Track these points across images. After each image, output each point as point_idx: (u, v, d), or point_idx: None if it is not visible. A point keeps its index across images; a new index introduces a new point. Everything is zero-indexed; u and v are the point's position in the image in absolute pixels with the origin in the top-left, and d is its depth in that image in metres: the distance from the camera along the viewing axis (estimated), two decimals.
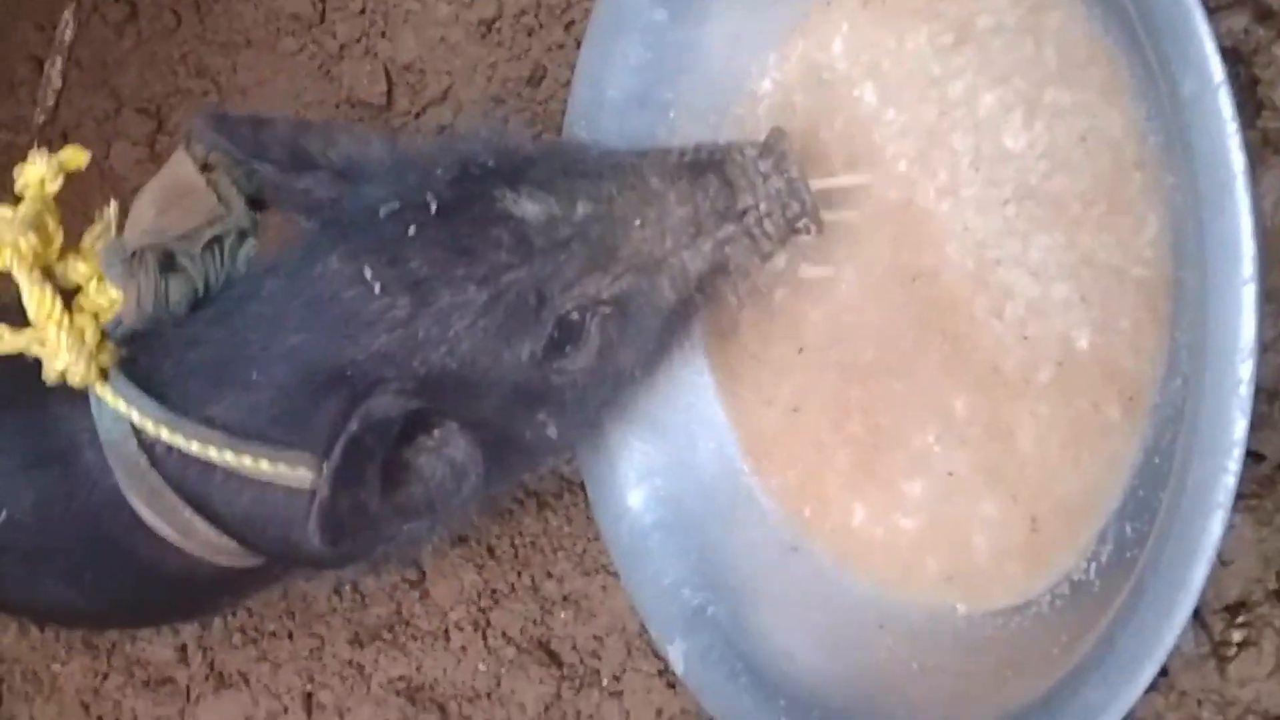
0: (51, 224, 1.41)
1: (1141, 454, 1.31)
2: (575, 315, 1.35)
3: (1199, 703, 1.36)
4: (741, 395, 1.62)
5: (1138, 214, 1.30)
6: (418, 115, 1.99)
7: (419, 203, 1.32)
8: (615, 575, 1.74)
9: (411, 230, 1.31)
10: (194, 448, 1.37)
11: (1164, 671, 1.37)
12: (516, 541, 1.86)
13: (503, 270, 1.31)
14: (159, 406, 1.38)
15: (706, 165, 1.37)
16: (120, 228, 1.44)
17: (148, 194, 1.42)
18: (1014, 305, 1.38)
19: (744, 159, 1.36)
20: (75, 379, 1.39)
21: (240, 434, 1.37)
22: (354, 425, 1.27)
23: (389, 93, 2.01)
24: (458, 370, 1.32)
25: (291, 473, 1.35)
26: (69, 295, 1.42)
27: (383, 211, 1.33)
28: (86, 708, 2.21)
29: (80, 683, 2.21)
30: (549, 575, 1.83)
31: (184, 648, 2.11)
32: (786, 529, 1.58)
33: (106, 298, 1.43)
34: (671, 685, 1.71)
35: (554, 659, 1.81)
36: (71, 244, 1.46)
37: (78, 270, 1.44)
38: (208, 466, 1.38)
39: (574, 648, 1.81)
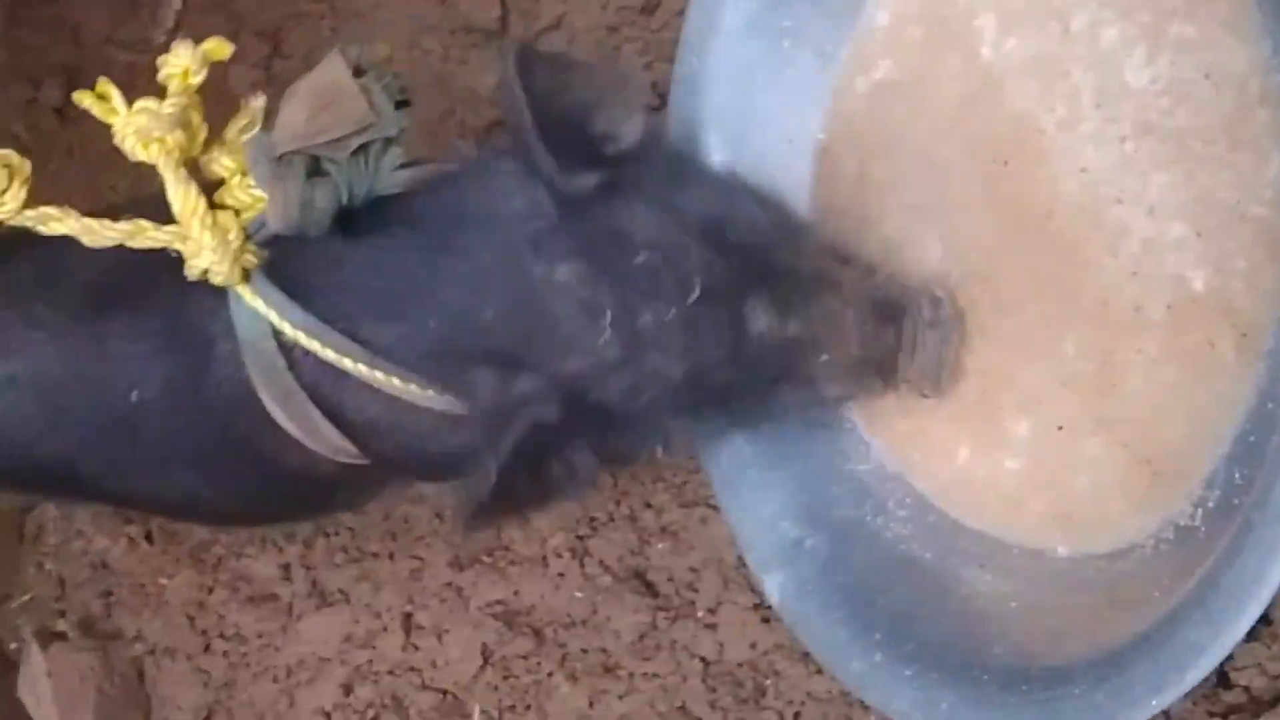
0: (196, 118, 1.40)
1: (1254, 397, 1.29)
2: (739, 407, 1.45)
3: None
4: None
5: (1260, 152, 1.28)
6: (532, 41, 1.99)
7: (680, 270, 1.32)
8: (713, 508, 1.75)
9: (661, 295, 1.31)
10: (331, 356, 1.39)
11: (1267, 620, 1.35)
12: (616, 472, 1.87)
13: (712, 368, 1.34)
14: (301, 312, 1.40)
15: (893, 312, 1.42)
16: (267, 123, 1.43)
17: (299, 95, 1.40)
18: (1128, 243, 1.37)
19: (921, 319, 1.43)
20: (218, 278, 1.39)
21: (383, 355, 1.39)
22: (521, 431, 1.30)
23: (503, 18, 2.01)
24: (619, 416, 1.36)
25: (424, 393, 1.39)
26: (212, 188, 1.42)
27: (641, 257, 1.32)
28: (192, 620, 2.26)
29: (186, 596, 2.27)
30: (648, 506, 1.84)
31: (287, 565, 2.15)
32: (888, 465, 1.58)
33: (250, 195, 1.41)
34: (766, 619, 1.72)
35: (650, 589, 1.83)
36: (214, 135, 1.45)
37: (222, 164, 1.43)
38: (343, 375, 1.41)
39: (670, 579, 1.82)
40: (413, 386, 1.39)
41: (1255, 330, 1.29)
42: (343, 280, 1.43)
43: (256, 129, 1.43)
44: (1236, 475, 1.28)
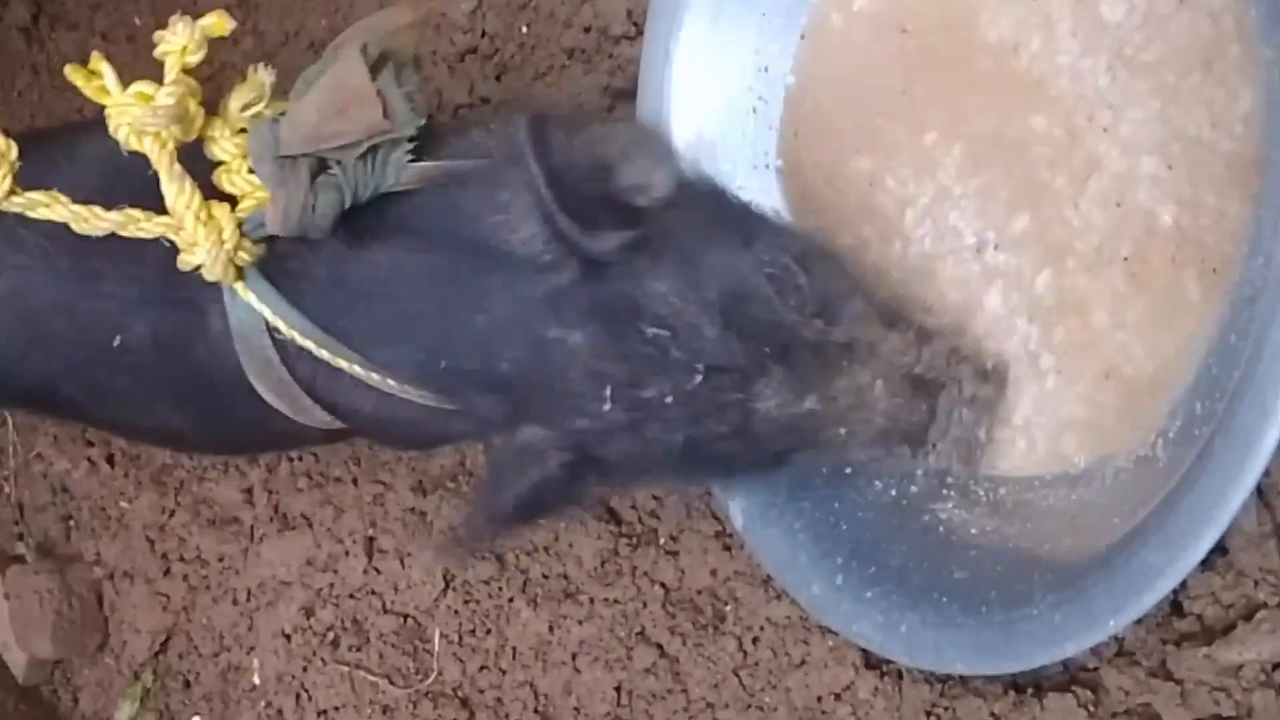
0: (193, 105, 1.34)
1: (1217, 331, 1.30)
2: (745, 467, 1.46)
3: (1255, 583, 1.36)
4: None
5: (1232, 87, 1.29)
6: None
7: (686, 351, 1.31)
8: None
9: (665, 373, 1.31)
10: (324, 355, 1.39)
11: (1223, 550, 1.38)
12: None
13: (717, 440, 1.34)
14: (296, 313, 1.39)
15: (929, 388, 1.38)
16: (273, 104, 1.39)
17: (313, 96, 1.35)
18: (1100, 177, 1.38)
19: (958, 398, 1.39)
20: (210, 275, 1.36)
21: (376, 361, 1.41)
22: (523, 491, 1.35)
23: None
24: (623, 465, 1.38)
25: (419, 392, 1.42)
26: (208, 169, 1.38)
27: (650, 331, 1.31)
28: (152, 544, 2.27)
29: (147, 519, 2.27)
30: None
31: (250, 489, 2.15)
32: None
33: (249, 181, 1.37)
34: (727, 547, 1.74)
35: (613, 516, 1.84)
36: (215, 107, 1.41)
37: (223, 148, 1.38)
38: (338, 371, 1.41)
39: (633, 506, 1.83)
40: (408, 388, 1.41)
41: (1222, 265, 1.31)
42: (343, 289, 1.41)
43: (262, 105, 1.38)
44: (1198, 407, 1.30)
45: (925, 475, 1.50)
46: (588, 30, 1.88)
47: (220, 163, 1.38)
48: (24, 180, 1.35)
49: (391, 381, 1.41)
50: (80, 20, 2.46)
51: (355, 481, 2.05)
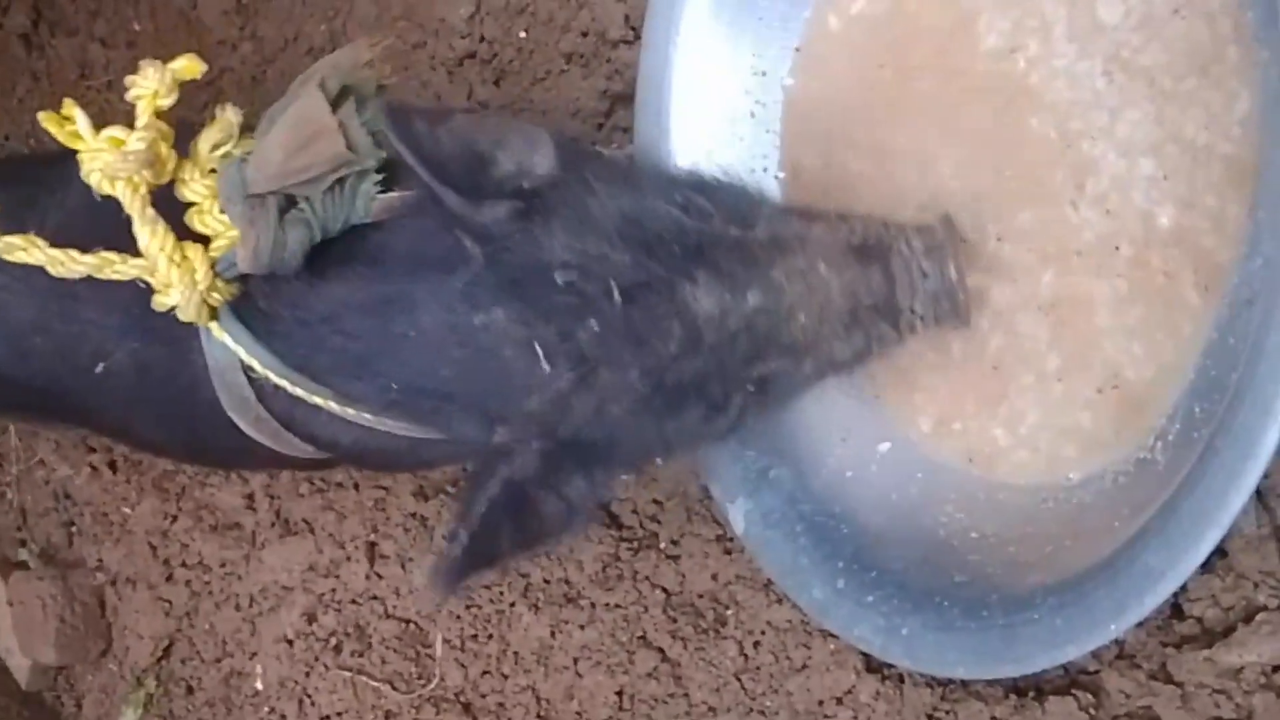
0: (164, 149, 1.35)
1: (1216, 333, 1.30)
2: (723, 396, 1.35)
3: (1255, 585, 1.36)
4: None
5: (1230, 90, 1.29)
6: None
7: (598, 279, 1.28)
8: None
9: (587, 309, 1.28)
10: (299, 393, 1.39)
11: (1223, 553, 1.38)
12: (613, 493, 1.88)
13: (670, 362, 1.29)
14: (268, 353, 1.39)
15: (873, 253, 1.33)
16: (241, 142, 1.40)
17: (277, 133, 1.35)
18: (1097, 180, 1.38)
19: (910, 253, 1.33)
20: (185, 317, 1.37)
21: (350, 399, 1.40)
22: (495, 490, 1.30)
23: None
24: (599, 439, 1.33)
25: (395, 424, 1.42)
26: (181, 209, 1.38)
27: (560, 278, 1.29)
28: (154, 549, 2.27)
29: (149, 525, 2.27)
30: None
31: (252, 495, 2.16)
32: (855, 397, 1.59)
33: (221, 222, 1.37)
34: (728, 551, 1.74)
35: (614, 520, 1.84)
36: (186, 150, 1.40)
37: (193, 190, 1.38)
38: (315, 407, 1.42)
39: (634, 511, 1.83)
40: (386, 421, 1.41)
41: (1220, 267, 1.31)
42: (307, 326, 1.41)
43: (231, 145, 1.39)
44: (1197, 409, 1.30)
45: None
46: (585, 35, 1.88)
47: (192, 204, 1.38)
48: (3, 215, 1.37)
49: (366, 415, 1.41)
50: (80, 26, 2.46)
51: (357, 487, 2.05)
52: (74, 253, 1.34)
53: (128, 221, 1.35)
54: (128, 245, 1.36)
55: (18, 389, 1.58)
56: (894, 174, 1.54)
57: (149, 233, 1.33)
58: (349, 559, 2.04)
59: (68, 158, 1.36)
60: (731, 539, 1.72)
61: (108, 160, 1.32)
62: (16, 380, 1.56)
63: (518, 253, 1.31)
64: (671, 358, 1.29)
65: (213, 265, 1.36)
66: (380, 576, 2.01)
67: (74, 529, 2.42)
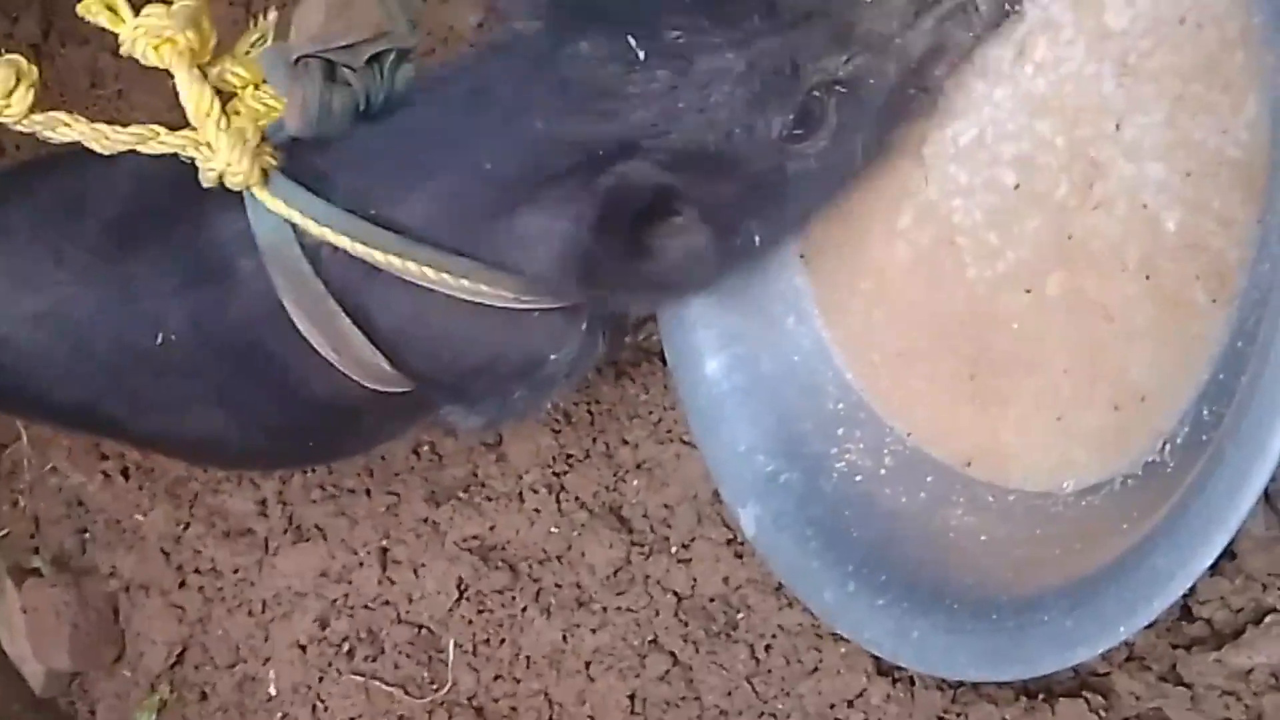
0: (205, 23, 1.38)
1: (1225, 337, 1.30)
2: (818, 93, 1.33)
3: (1264, 587, 1.37)
4: (825, 267, 1.63)
5: (1237, 94, 1.29)
6: None
7: None
8: (689, 444, 1.77)
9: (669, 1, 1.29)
10: (360, 249, 1.37)
11: (1232, 555, 1.38)
12: (593, 408, 1.89)
13: (757, 37, 1.29)
14: (325, 205, 1.38)
15: None
16: (280, 36, 1.43)
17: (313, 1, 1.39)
18: (1105, 184, 1.38)
19: None
20: (235, 180, 1.38)
21: (413, 236, 1.38)
22: (611, 181, 1.28)
23: None
24: (712, 143, 1.32)
25: (456, 282, 1.38)
26: (224, 100, 1.40)
27: None
28: (167, 556, 2.28)
29: (162, 531, 2.28)
30: (624, 442, 1.86)
31: (264, 501, 2.16)
32: (863, 402, 1.60)
33: (264, 104, 1.41)
34: (738, 554, 1.75)
35: (625, 524, 1.85)
36: (225, 49, 1.44)
37: (235, 74, 1.42)
38: (371, 273, 1.40)
39: (645, 514, 1.84)
40: (445, 275, 1.37)
41: (1229, 271, 1.31)
42: (364, 163, 1.41)
43: (269, 43, 1.42)
44: (1205, 412, 1.30)
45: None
46: None
47: (232, 95, 1.42)
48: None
49: (429, 270, 1.38)
50: (90, 35, 2.47)
51: (369, 493, 2.06)
52: (116, 127, 1.38)
53: (175, 206, 1.41)
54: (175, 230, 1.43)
55: (72, 394, 1.60)
56: (901, 172, 1.54)
57: (196, 95, 1.36)
58: (361, 564, 2.05)
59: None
60: (742, 542, 1.73)
61: (153, 23, 1.34)
62: (73, 383, 1.59)
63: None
64: (758, 32, 1.29)
65: (260, 131, 1.39)
66: (393, 582, 2.02)
67: (87, 536, 2.43)
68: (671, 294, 1.39)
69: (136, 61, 1.86)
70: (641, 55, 1.28)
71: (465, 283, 1.37)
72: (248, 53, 1.44)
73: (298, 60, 1.37)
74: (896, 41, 1.34)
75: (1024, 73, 1.43)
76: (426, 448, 2.03)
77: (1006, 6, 1.38)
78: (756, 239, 1.41)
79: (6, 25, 2.55)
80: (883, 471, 1.56)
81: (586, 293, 1.35)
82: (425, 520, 2.00)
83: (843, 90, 1.34)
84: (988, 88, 1.45)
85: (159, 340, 1.50)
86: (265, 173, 1.39)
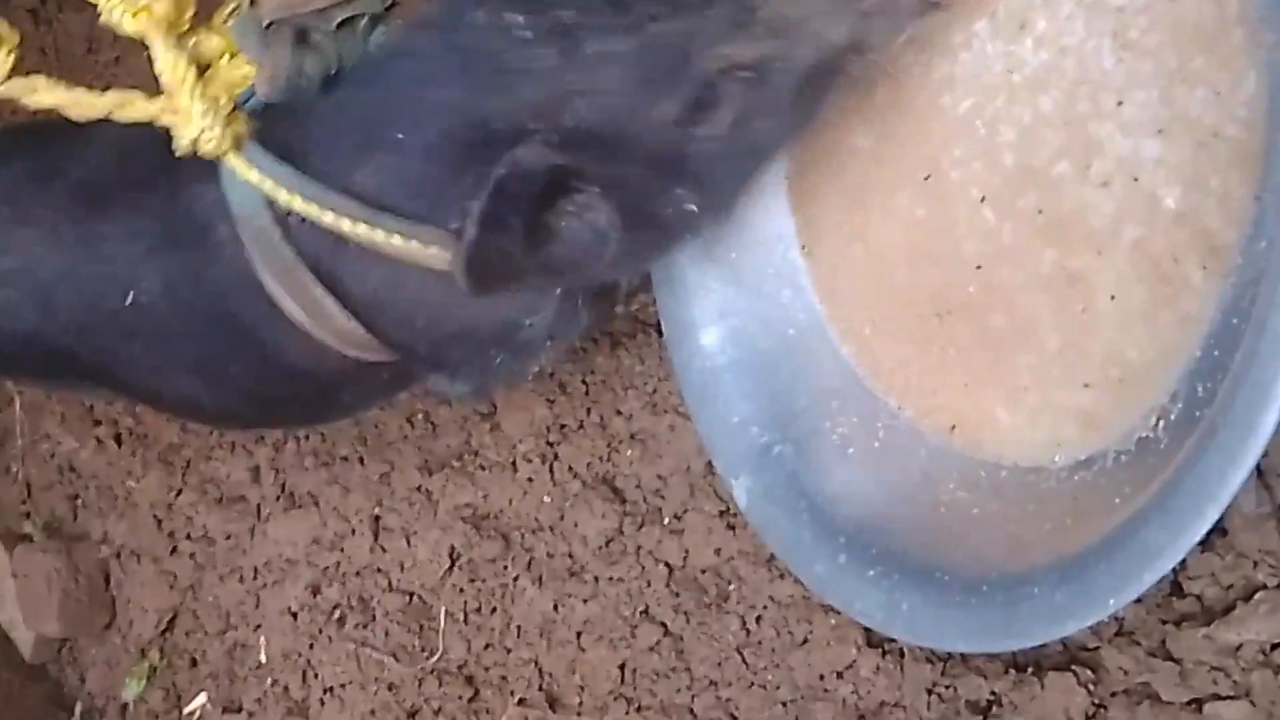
0: None
1: (1219, 314, 1.30)
2: (716, 77, 1.30)
3: (1254, 564, 1.37)
4: (820, 241, 1.63)
5: (1236, 71, 1.29)
6: None
7: None
8: (683, 415, 1.77)
9: None
10: (328, 219, 1.37)
11: (1223, 531, 1.39)
12: (588, 379, 1.89)
13: (650, 20, 1.27)
14: (294, 173, 1.38)
15: None
16: (252, 3, 1.43)
17: None
18: (1103, 161, 1.38)
19: None
20: (208, 147, 1.38)
21: (377, 205, 1.37)
22: (501, 170, 1.26)
23: None
24: (602, 125, 1.30)
25: (423, 250, 1.37)
26: (200, 70, 1.40)
27: None
28: (159, 522, 2.29)
29: (154, 498, 2.28)
30: (618, 413, 1.86)
31: (256, 468, 2.17)
32: (857, 376, 1.60)
33: (239, 73, 1.42)
34: (731, 526, 1.75)
35: (618, 495, 1.85)
36: (202, 21, 1.45)
37: (210, 45, 1.43)
38: (340, 242, 1.39)
39: (638, 485, 1.84)
40: (413, 244, 1.36)
41: (1224, 249, 1.31)
42: (329, 133, 1.42)
43: (243, 13, 1.43)
44: (1199, 389, 1.30)
45: None
46: None
47: (208, 67, 1.42)
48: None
49: (396, 239, 1.36)
50: (86, 2, 2.46)
51: (362, 460, 2.06)
52: (94, 92, 1.39)
53: (149, 174, 1.40)
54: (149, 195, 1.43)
55: (48, 349, 1.60)
56: (896, 146, 1.54)
57: (171, 63, 1.37)
58: (353, 532, 2.05)
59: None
60: (735, 514, 1.73)
61: None
62: (46, 339, 1.59)
63: None
64: (651, 16, 1.27)
65: (233, 100, 1.40)
66: (384, 550, 2.03)
67: (79, 502, 2.44)
68: (581, 276, 1.37)
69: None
70: (529, 35, 1.27)
71: (434, 250, 1.36)
72: (225, 23, 1.44)
73: (268, 26, 1.39)
74: (810, 27, 1.30)
75: (1024, 46, 1.43)
76: (420, 416, 2.03)
77: (934, 5, 1.34)
78: (674, 215, 1.39)
79: None
80: (875, 445, 1.56)
81: (482, 293, 1.33)
82: (418, 489, 2.01)
83: (746, 74, 1.31)
84: (987, 61, 1.45)
85: (129, 301, 1.50)
86: (238, 141, 1.40)
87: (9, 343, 1.60)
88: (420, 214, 1.37)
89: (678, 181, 1.37)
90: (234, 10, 1.44)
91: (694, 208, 1.39)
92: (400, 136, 1.37)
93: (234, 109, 1.40)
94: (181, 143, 1.39)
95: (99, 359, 1.60)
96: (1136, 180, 1.36)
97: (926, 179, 1.51)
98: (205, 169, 1.43)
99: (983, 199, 1.48)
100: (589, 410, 1.88)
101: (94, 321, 1.54)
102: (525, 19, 1.27)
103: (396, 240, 1.36)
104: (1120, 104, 1.36)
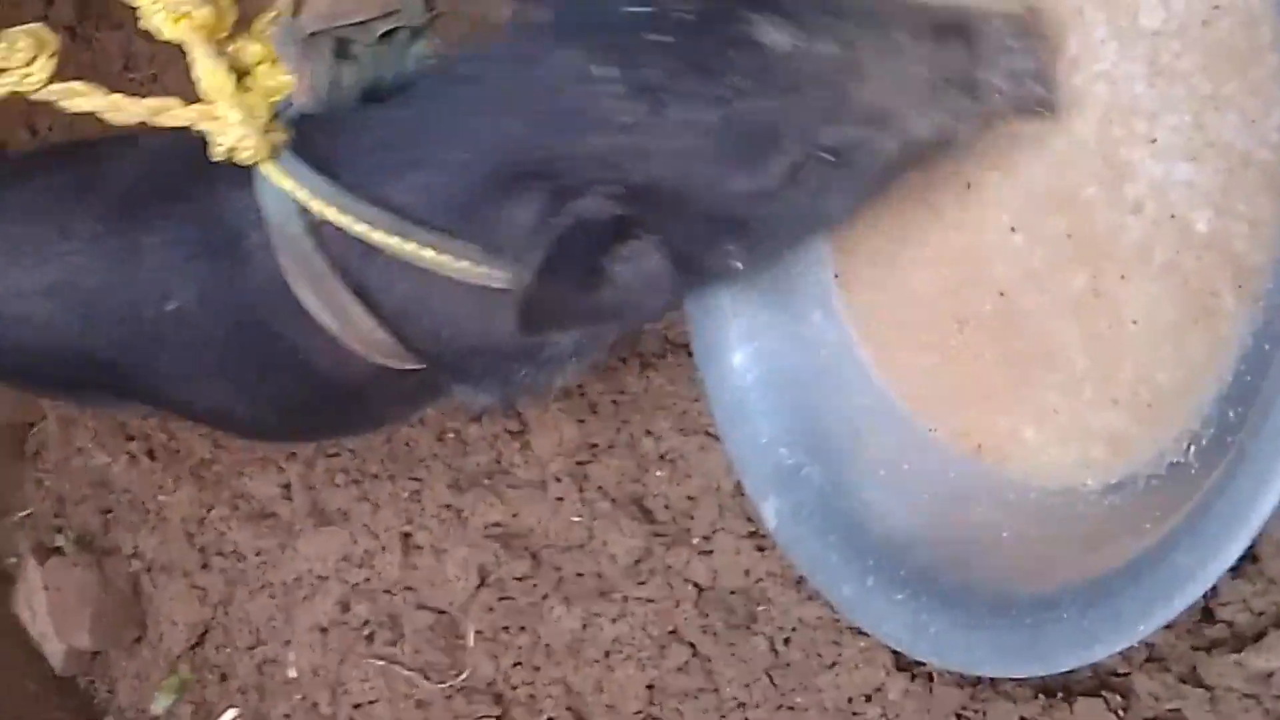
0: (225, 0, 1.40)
1: (1250, 339, 1.30)
2: (797, 158, 1.31)
3: None
4: (852, 263, 1.63)
5: (1268, 96, 1.28)
6: None
7: (671, 9, 1.29)
8: (713, 436, 1.78)
9: (656, 37, 1.28)
10: (359, 229, 1.38)
11: (1254, 558, 1.38)
12: (618, 399, 1.89)
13: (740, 96, 1.27)
14: (328, 183, 1.40)
15: (954, 30, 1.31)
16: (294, 12, 1.44)
17: None
18: (1134, 185, 1.38)
19: (992, 30, 1.32)
20: (245, 155, 1.40)
21: (411, 218, 1.38)
22: (567, 221, 1.27)
23: None
24: (671, 187, 1.31)
25: (454, 263, 1.39)
26: (239, 76, 1.42)
27: (628, 12, 1.30)
28: (190, 537, 2.30)
29: (186, 513, 2.30)
30: (648, 433, 1.86)
31: (288, 485, 2.18)
32: (886, 397, 1.60)
33: (277, 80, 1.43)
34: (760, 547, 1.75)
35: (647, 515, 1.85)
36: (242, 27, 1.47)
37: (249, 52, 1.44)
38: (371, 251, 1.41)
39: (667, 506, 1.84)
40: (444, 257, 1.38)
41: (1255, 273, 1.30)
42: (367, 145, 1.43)
43: (285, 20, 1.44)
44: (1230, 414, 1.30)
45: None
46: None
47: (247, 73, 1.44)
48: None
49: (429, 252, 1.38)
50: (124, 20, 2.49)
51: (392, 478, 2.07)
52: (133, 98, 1.41)
53: (184, 182, 1.44)
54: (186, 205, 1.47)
55: (88, 361, 1.63)
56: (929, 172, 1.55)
57: (210, 70, 1.38)
58: (383, 549, 2.06)
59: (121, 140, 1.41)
60: (763, 535, 1.73)
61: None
62: (87, 351, 1.61)
63: (585, 2, 1.33)
64: (742, 91, 1.27)
65: (271, 108, 1.41)
66: (414, 567, 2.03)
67: (111, 516, 2.45)
68: (628, 319, 1.39)
69: (170, 45, 1.89)
70: (622, 89, 1.27)
71: (465, 264, 1.39)
72: (264, 30, 1.46)
73: (309, 37, 1.40)
74: (897, 120, 1.31)
75: (1057, 70, 1.43)
76: (451, 434, 2.04)
77: (1033, 105, 1.35)
78: (720, 267, 1.41)
79: (42, 8, 2.57)
80: (905, 467, 1.56)
81: (532, 334, 1.35)
82: (448, 506, 2.01)
83: (828, 158, 1.32)
84: None
85: (168, 308, 1.53)
86: (274, 149, 1.41)
87: (51, 355, 1.62)
88: (456, 230, 1.38)
89: (733, 240, 1.38)
90: (275, 17, 1.45)
91: (740, 265, 1.40)
92: (448, 157, 1.38)
93: (272, 117, 1.41)
94: (218, 150, 1.41)
95: (136, 370, 1.62)
96: (1168, 204, 1.36)
97: (959, 204, 1.51)
98: (240, 176, 1.45)
99: (1013, 226, 1.48)
100: (619, 430, 1.89)
101: (132, 332, 1.57)
102: (617, 72, 1.28)
103: (429, 254, 1.38)
104: (1152, 128, 1.36)
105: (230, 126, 1.38)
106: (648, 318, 1.46)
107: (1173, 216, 1.36)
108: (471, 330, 1.49)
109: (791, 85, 1.28)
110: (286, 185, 1.40)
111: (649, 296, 1.36)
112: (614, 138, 1.28)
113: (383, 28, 1.41)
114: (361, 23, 1.40)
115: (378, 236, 1.38)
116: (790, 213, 1.37)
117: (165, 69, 2.39)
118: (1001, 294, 1.49)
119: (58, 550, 2.47)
